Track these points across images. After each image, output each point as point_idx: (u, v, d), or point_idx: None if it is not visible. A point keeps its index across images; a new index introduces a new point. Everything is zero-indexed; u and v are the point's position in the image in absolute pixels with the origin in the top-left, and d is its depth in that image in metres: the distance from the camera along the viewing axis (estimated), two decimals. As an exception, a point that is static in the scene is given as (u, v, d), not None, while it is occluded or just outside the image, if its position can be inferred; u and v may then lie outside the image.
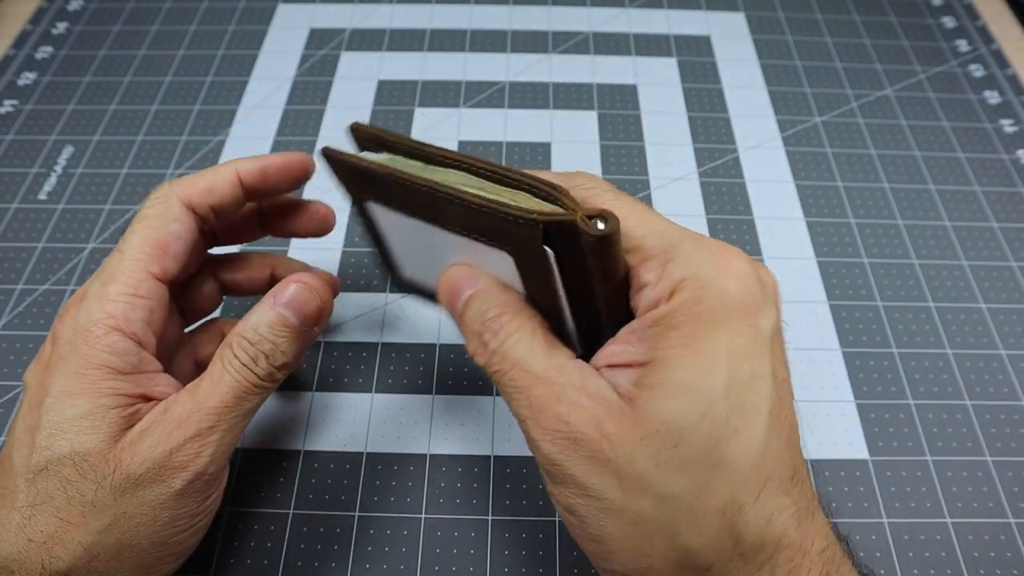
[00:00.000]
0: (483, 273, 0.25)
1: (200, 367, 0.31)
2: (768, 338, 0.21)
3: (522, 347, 0.22)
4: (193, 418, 0.23)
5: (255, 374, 0.24)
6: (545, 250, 0.22)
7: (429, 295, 0.30)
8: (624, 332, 0.23)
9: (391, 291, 0.38)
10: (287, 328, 0.25)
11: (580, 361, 0.23)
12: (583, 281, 0.22)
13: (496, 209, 0.21)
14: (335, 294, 0.31)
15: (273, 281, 0.31)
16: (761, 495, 0.20)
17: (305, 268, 0.32)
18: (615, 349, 0.22)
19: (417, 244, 0.27)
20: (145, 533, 0.23)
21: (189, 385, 0.25)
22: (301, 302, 0.25)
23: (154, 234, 0.25)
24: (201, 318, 0.32)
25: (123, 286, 0.25)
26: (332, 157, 0.25)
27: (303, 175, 0.29)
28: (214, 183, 0.27)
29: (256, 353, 0.25)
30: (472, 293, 0.24)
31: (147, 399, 0.25)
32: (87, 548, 0.22)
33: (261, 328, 0.25)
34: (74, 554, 0.22)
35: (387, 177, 0.23)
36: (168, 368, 0.29)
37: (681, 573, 0.20)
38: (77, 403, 0.23)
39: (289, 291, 0.25)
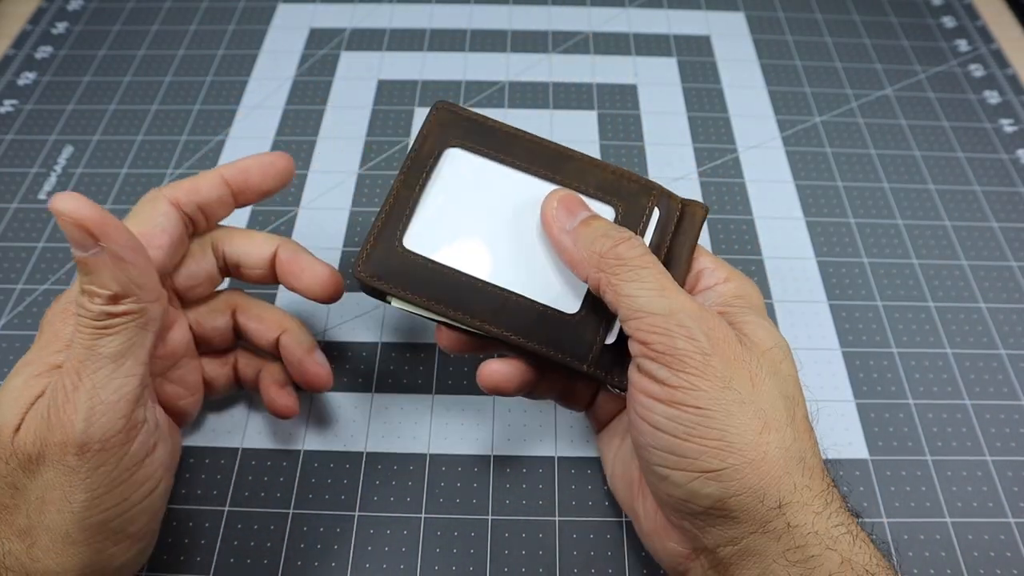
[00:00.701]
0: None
1: (209, 386, 0.31)
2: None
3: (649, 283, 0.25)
4: (58, 384, 0.23)
5: (89, 310, 0.23)
6: (655, 209, 0.29)
7: (419, 280, 0.28)
8: (705, 278, 0.29)
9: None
10: (96, 260, 0.23)
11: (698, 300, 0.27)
12: (658, 247, 0.29)
13: (626, 173, 0.30)
14: (338, 294, 0.31)
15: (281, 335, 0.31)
16: (803, 453, 0.24)
17: (263, 305, 0.32)
18: (711, 284, 0.29)
19: (478, 201, 0.29)
20: (68, 519, 0.23)
21: None
22: (71, 237, 0.23)
23: (139, 227, 0.27)
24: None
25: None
26: (448, 109, 0.31)
27: (286, 173, 0.30)
28: (199, 184, 0.29)
29: (77, 291, 0.24)
30: (590, 215, 0.27)
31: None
32: (21, 533, 0.23)
33: (79, 270, 0.24)
34: (13, 539, 0.23)
35: (515, 135, 0.31)
36: (170, 374, 0.29)
37: (787, 464, 0.23)
38: (18, 375, 0.24)
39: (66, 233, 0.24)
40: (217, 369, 0.32)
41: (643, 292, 0.25)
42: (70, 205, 0.22)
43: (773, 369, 0.25)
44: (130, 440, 0.24)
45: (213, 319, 0.30)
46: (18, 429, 0.23)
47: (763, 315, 0.27)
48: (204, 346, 0.31)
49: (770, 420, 0.23)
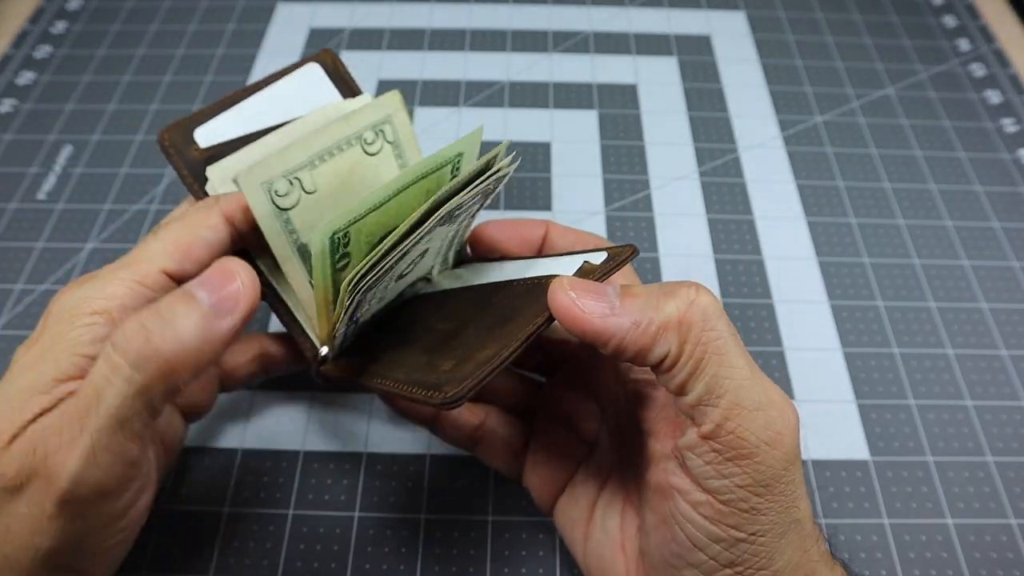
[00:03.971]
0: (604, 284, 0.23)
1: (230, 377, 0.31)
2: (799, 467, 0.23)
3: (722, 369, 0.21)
4: (63, 422, 0.20)
5: (125, 363, 0.20)
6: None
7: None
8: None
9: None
10: (191, 306, 0.21)
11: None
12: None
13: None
14: None
15: (263, 359, 0.31)
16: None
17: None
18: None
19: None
20: (31, 557, 0.21)
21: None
22: (219, 280, 0.22)
23: (184, 234, 0.25)
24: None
25: (131, 273, 0.23)
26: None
27: None
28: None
29: (138, 329, 0.21)
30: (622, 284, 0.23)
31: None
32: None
33: (162, 304, 0.21)
34: None
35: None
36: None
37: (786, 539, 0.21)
38: (17, 380, 0.22)
39: (210, 271, 0.23)
40: (238, 358, 0.31)
41: (734, 374, 0.21)
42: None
43: (790, 478, 0.22)
44: (119, 494, 0.21)
45: (236, 357, 0.30)
46: (9, 444, 0.21)
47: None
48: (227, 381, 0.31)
49: (809, 530, 0.22)
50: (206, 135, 0.28)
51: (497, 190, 0.27)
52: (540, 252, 0.30)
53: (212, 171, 0.28)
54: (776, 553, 0.21)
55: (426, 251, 0.27)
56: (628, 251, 0.24)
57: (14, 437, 0.21)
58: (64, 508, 0.20)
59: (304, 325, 0.28)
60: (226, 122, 0.28)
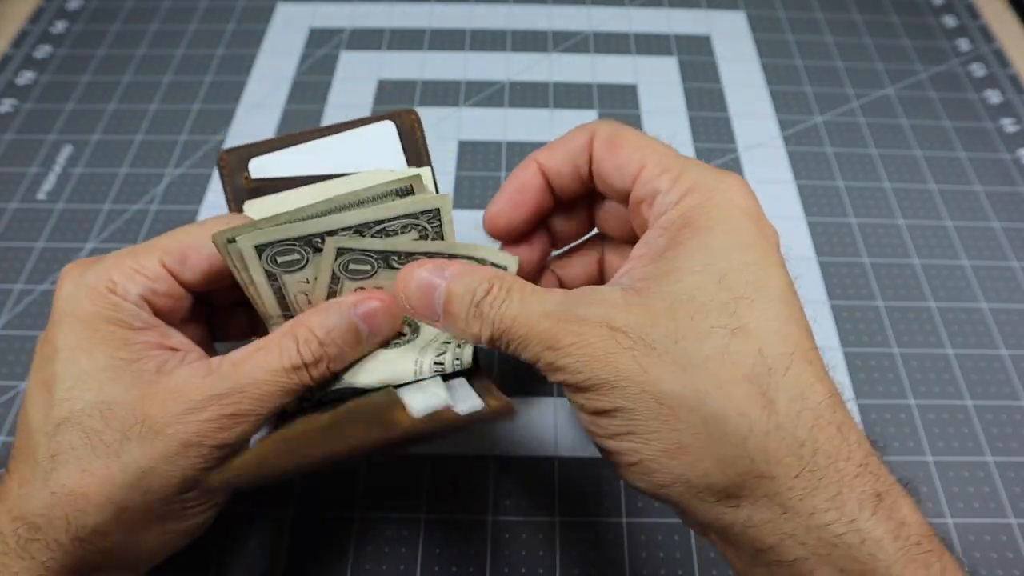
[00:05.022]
0: (440, 261, 0.24)
1: None
2: (775, 244, 0.22)
3: (515, 303, 0.22)
4: (233, 397, 0.22)
5: (309, 375, 0.23)
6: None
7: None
8: (636, 248, 0.24)
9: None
10: (356, 338, 0.24)
11: (580, 288, 0.23)
12: None
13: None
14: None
15: None
16: (790, 367, 0.20)
17: None
18: (628, 265, 0.23)
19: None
20: (173, 485, 0.22)
21: (235, 356, 0.23)
22: (379, 321, 0.25)
23: (187, 239, 0.25)
24: None
25: (132, 262, 0.25)
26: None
27: None
28: None
29: (321, 354, 0.23)
30: (448, 284, 0.23)
31: (171, 349, 0.24)
32: (116, 502, 0.22)
33: (335, 331, 0.23)
34: (101, 508, 0.22)
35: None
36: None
37: (711, 447, 0.20)
38: (94, 356, 0.23)
39: (371, 305, 0.24)
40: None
41: (535, 355, 0.22)
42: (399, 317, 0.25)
43: (681, 331, 0.20)
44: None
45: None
46: (141, 403, 0.22)
47: (738, 216, 0.22)
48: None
49: (677, 404, 0.20)
50: (261, 166, 0.28)
51: (438, 233, 0.26)
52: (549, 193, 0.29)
53: (248, 207, 0.28)
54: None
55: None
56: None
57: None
58: (213, 458, 0.22)
59: None
60: (284, 158, 0.28)
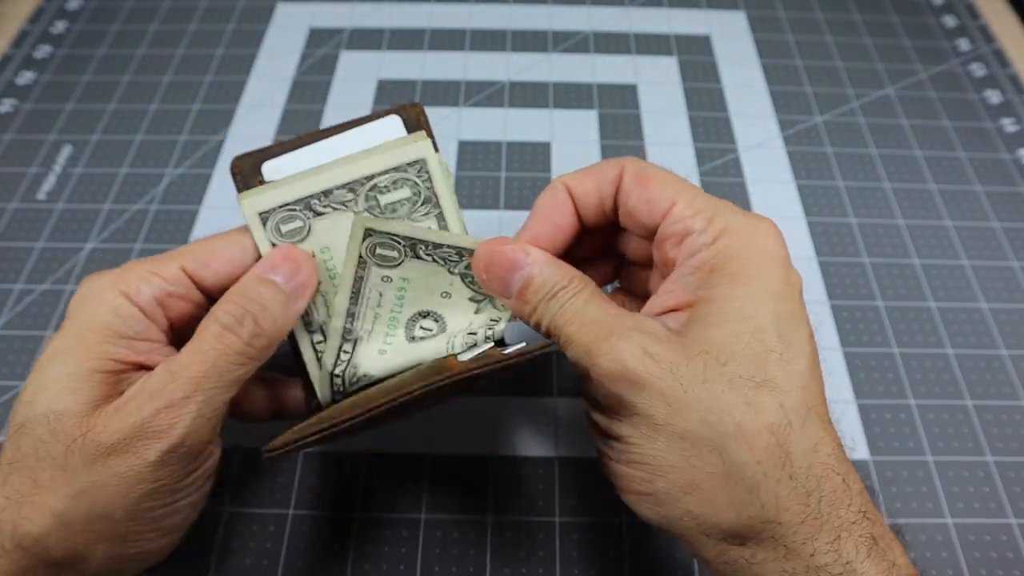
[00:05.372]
0: (528, 247, 0.26)
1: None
2: (799, 291, 0.24)
3: (579, 304, 0.24)
4: (167, 388, 0.23)
5: (239, 337, 0.24)
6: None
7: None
8: (667, 283, 0.25)
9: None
10: (275, 290, 0.25)
11: (634, 313, 0.24)
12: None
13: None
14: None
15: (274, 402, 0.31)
16: (807, 421, 0.21)
17: None
18: (660, 299, 0.24)
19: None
20: (119, 505, 0.22)
21: (172, 356, 0.24)
22: (289, 269, 0.25)
23: (210, 245, 0.26)
24: None
25: (150, 265, 0.25)
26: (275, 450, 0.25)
27: None
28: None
29: (243, 313, 0.24)
30: (532, 270, 0.25)
31: (142, 368, 0.24)
32: (57, 514, 0.22)
33: (249, 289, 0.25)
34: (44, 518, 0.22)
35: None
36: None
37: (726, 489, 0.21)
38: (64, 361, 0.23)
39: (274, 257, 0.26)
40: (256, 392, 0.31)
41: (576, 352, 0.24)
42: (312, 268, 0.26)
43: (711, 374, 0.22)
44: (207, 454, 0.24)
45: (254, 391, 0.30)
46: (90, 416, 0.22)
47: (770, 264, 0.24)
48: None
49: (699, 444, 0.22)
50: (273, 169, 0.28)
51: (430, 191, 0.27)
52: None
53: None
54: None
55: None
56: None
57: (95, 412, 0.23)
58: (168, 457, 0.22)
59: (313, 377, 0.28)
60: (295, 160, 0.28)
